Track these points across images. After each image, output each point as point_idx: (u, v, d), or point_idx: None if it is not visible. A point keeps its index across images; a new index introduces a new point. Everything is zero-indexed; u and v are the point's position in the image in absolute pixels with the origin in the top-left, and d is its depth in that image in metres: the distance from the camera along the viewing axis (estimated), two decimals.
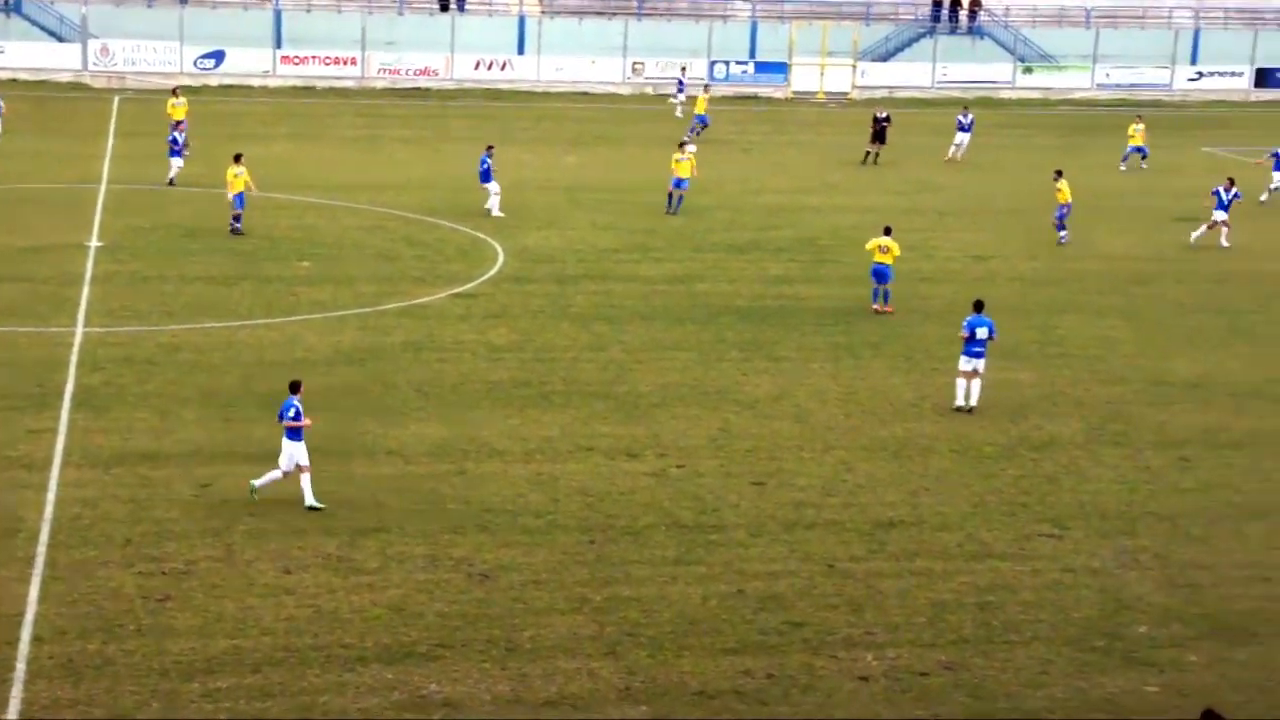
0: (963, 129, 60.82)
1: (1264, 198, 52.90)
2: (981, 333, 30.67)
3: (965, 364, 30.92)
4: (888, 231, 38.02)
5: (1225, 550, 25.03)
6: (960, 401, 30.85)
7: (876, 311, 37.64)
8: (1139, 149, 60.26)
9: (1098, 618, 22.52)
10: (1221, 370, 34.51)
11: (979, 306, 31.16)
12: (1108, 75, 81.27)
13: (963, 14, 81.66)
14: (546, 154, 58.29)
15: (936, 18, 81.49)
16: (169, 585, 22.31)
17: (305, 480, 25.02)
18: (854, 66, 78.53)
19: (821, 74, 77.40)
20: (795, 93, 78.04)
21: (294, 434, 25.03)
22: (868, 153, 59.28)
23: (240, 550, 23.53)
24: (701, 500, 26.24)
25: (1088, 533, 25.46)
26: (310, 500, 25.01)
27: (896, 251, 37.64)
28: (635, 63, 77.60)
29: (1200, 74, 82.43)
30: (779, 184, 54.15)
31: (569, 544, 24.31)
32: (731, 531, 25.03)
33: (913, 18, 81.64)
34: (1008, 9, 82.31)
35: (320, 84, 74.53)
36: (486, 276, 40.33)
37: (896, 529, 25.38)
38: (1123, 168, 60.04)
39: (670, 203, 48.53)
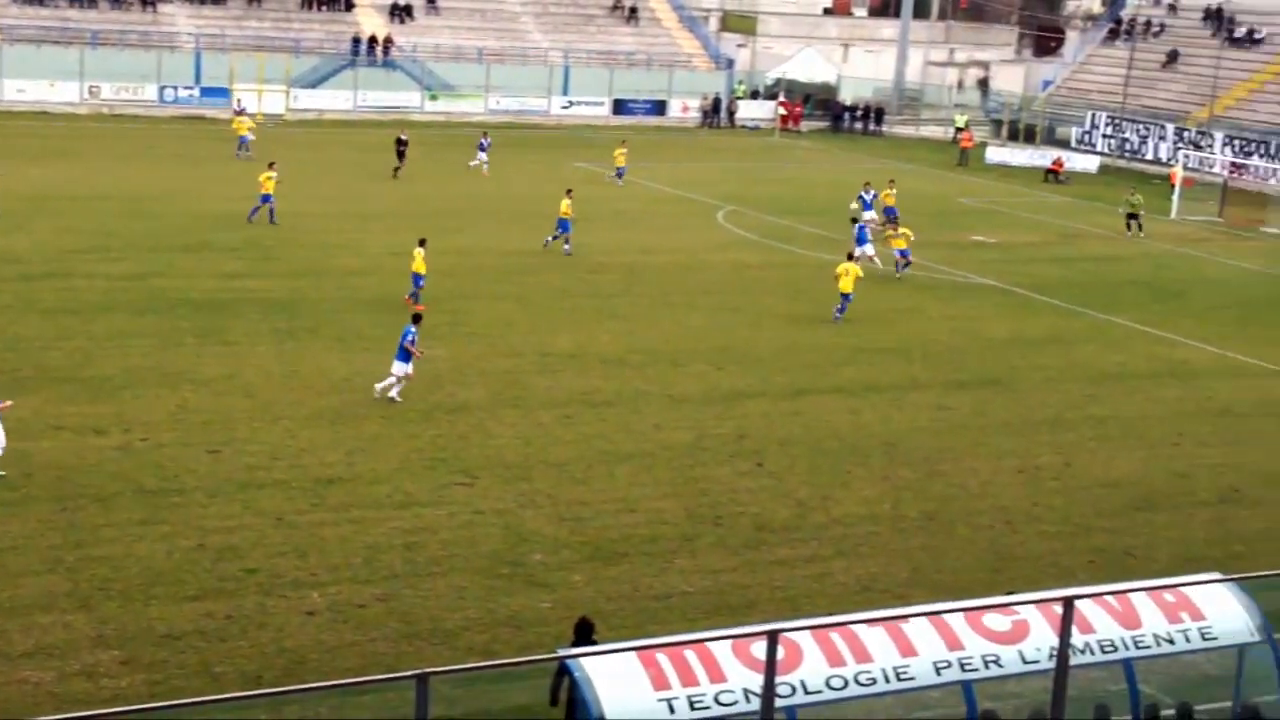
0: (482, 149, 61.15)
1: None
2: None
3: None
4: (422, 243, 37.68)
5: (601, 489, 25.95)
6: (390, 394, 30.07)
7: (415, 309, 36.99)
8: (620, 170, 61.07)
9: (503, 550, 22.98)
10: (594, 343, 35.73)
11: (416, 319, 30.69)
12: (498, 102, 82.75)
13: (378, 49, 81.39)
14: (10, 166, 54.63)
15: (356, 52, 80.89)
16: None
17: None
18: (287, 92, 77.12)
19: (259, 98, 75.60)
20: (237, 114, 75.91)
21: None
22: (396, 168, 59.10)
23: None
24: (164, 468, 25.27)
25: (493, 480, 25.93)
26: None
27: (420, 262, 37.28)
28: (91, 86, 73.78)
29: (571, 103, 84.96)
30: (227, 192, 52.52)
31: (43, 513, 22.97)
32: (191, 494, 24.23)
33: (335, 51, 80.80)
34: (415, 46, 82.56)
35: None
36: None
37: (335, 485, 25.16)
38: (620, 182, 60.56)
39: (269, 215, 46.95)
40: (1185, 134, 77.85)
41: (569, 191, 47.22)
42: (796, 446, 28.85)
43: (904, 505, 25.93)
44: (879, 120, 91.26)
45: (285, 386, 30.49)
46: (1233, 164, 69.69)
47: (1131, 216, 57.18)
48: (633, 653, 13.50)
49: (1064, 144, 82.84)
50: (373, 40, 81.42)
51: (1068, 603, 13.59)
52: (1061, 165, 74.57)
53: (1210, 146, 75.20)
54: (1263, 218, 62.06)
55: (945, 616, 14.47)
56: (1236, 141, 74.66)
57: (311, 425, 28.14)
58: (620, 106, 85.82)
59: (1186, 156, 71.39)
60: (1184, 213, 63.42)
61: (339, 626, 20.07)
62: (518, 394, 31.10)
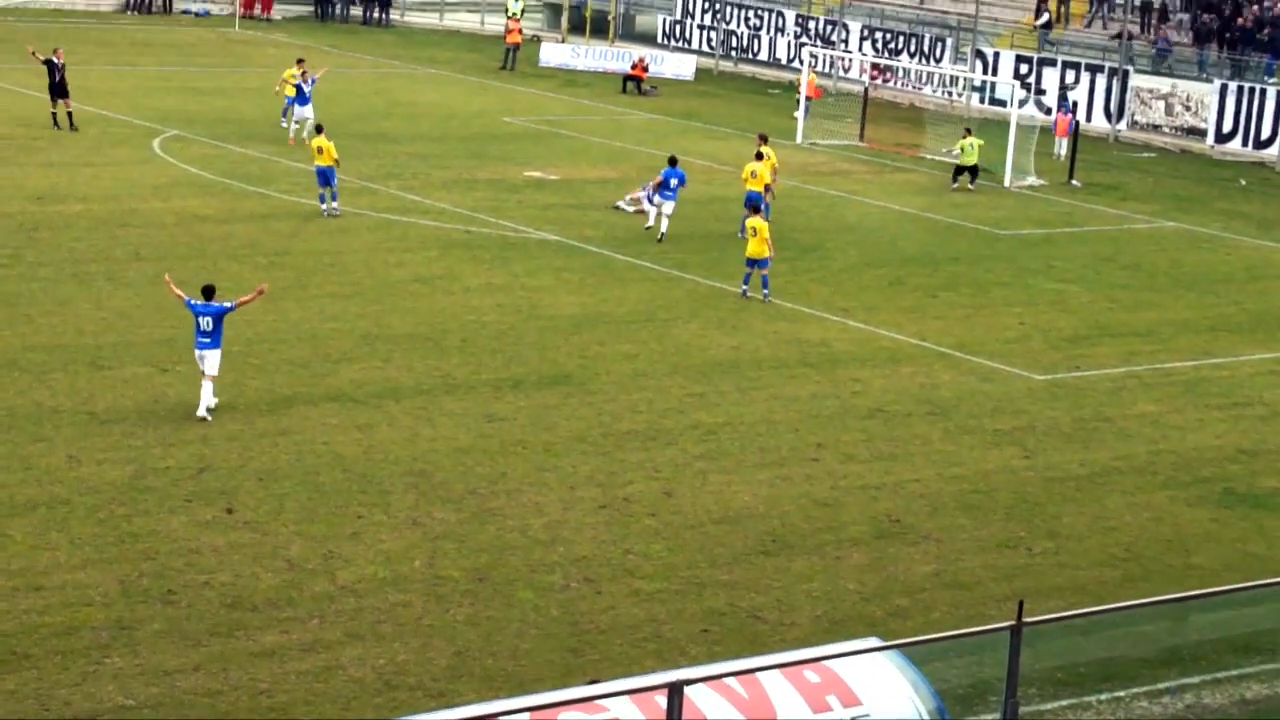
0: None
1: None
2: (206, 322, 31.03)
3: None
4: None
5: None
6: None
7: None
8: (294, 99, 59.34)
9: None
10: None
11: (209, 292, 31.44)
12: None
13: None
14: None
15: None
16: None
17: None
18: None
19: None
20: None
21: None
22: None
23: None
24: None
25: None
26: None
27: None
28: None
29: None
30: None
31: None
32: None
33: None
34: None
35: None
36: None
37: None
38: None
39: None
40: (811, 25, 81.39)
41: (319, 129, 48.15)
42: (283, 482, 28.70)
43: (442, 561, 26.14)
44: (385, 5, 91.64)
45: None
46: (874, 66, 73.15)
47: (964, 169, 58.16)
48: None
49: (648, 40, 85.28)
50: None
51: (674, 690, 13.96)
52: (645, 70, 76.68)
53: (844, 42, 78.86)
54: (920, 141, 65.26)
55: None
56: (879, 35, 78.58)
57: None
58: None
59: (814, 57, 74.37)
60: (813, 135, 66.23)
61: None
62: None
